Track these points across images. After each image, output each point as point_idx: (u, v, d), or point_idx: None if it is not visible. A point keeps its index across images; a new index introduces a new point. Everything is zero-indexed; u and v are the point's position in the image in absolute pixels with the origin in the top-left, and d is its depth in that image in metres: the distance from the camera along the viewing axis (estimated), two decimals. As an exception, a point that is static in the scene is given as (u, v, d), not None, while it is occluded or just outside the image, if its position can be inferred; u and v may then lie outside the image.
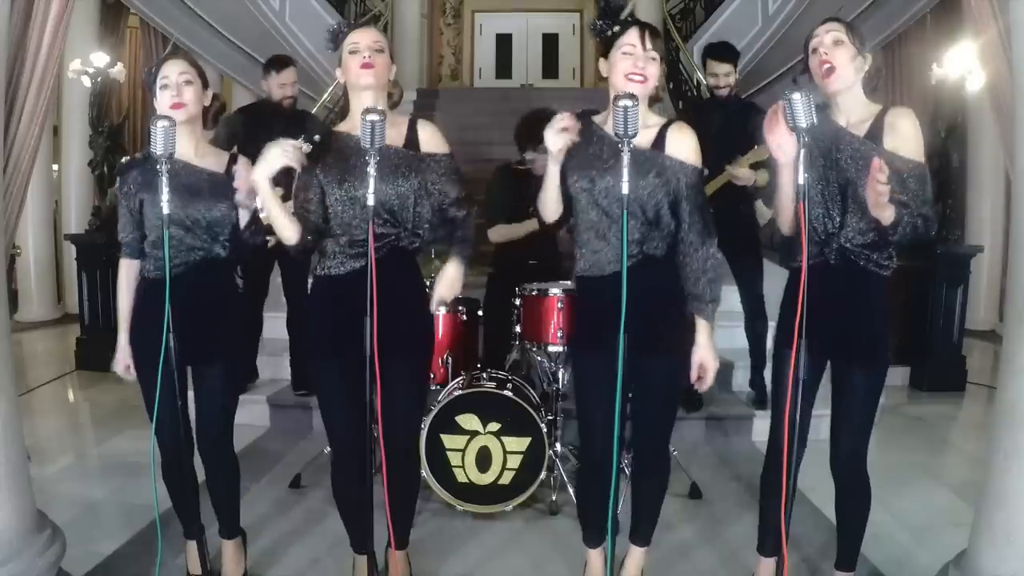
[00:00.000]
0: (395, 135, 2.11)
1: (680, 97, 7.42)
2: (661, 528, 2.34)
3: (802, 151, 1.75)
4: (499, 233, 3.54)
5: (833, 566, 2.33)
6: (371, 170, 1.89)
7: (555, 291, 3.08)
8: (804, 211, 1.79)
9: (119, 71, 6.29)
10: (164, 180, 1.99)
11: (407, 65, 8.80)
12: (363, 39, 2.10)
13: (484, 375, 3.18)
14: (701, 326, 2.08)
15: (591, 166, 2.04)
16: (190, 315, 2.06)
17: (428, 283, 2.36)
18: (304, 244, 2.11)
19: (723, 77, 3.81)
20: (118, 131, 6.06)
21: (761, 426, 3.84)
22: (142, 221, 2.20)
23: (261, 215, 2.20)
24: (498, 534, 2.92)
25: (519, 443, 2.99)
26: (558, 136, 1.95)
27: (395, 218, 2.10)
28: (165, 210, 2.00)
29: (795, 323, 1.77)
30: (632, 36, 2.00)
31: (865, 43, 2.07)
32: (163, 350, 2.00)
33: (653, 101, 2.11)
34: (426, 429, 2.92)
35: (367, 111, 1.88)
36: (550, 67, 11.55)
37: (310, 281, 2.23)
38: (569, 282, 3.07)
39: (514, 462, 2.99)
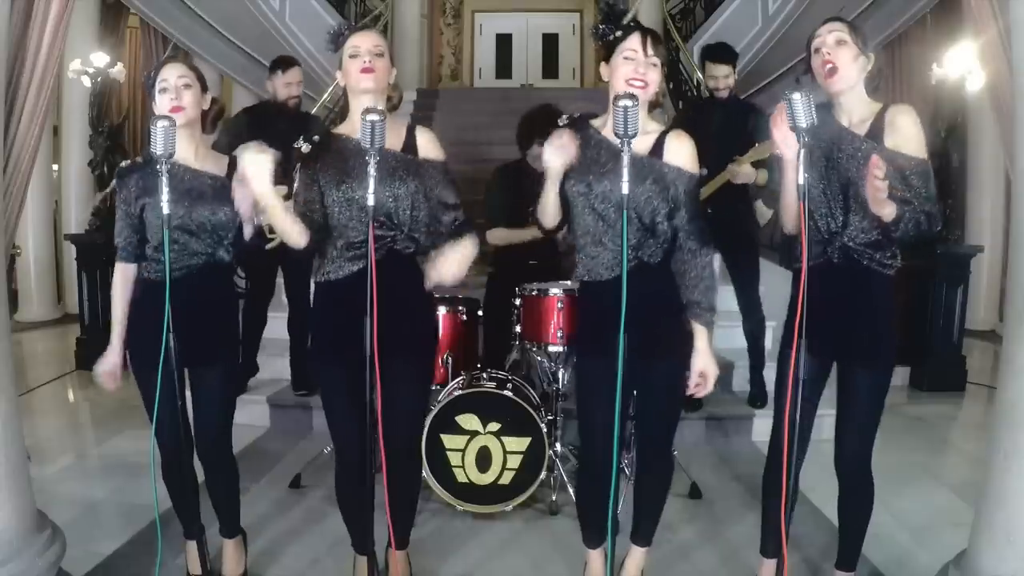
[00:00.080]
0: (394, 139, 2.11)
1: (680, 97, 7.42)
2: (661, 528, 2.34)
3: (802, 151, 1.75)
4: (498, 236, 3.53)
5: (834, 566, 2.33)
6: (371, 170, 1.89)
7: (555, 291, 3.08)
8: (804, 211, 1.79)
9: (119, 71, 6.30)
10: (164, 180, 1.98)
11: (407, 65, 8.80)
12: (363, 43, 2.10)
13: (484, 375, 3.18)
14: (700, 333, 2.08)
15: (588, 170, 2.04)
16: (190, 317, 2.06)
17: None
18: (312, 246, 2.10)
19: (722, 79, 3.80)
20: (118, 131, 6.07)
21: (761, 426, 3.85)
22: (141, 226, 2.19)
23: (261, 219, 2.19)
24: (498, 534, 2.92)
25: (519, 443, 2.99)
26: (557, 154, 1.96)
27: (391, 221, 2.10)
28: (165, 210, 2.00)
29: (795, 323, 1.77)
30: (634, 41, 2.00)
31: (868, 43, 2.07)
32: (163, 351, 2.00)
33: (653, 107, 2.11)
34: (426, 429, 2.92)
35: (367, 111, 1.88)
36: (550, 67, 11.56)
37: (312, 285, 2.23)
38: (569, 282, 3.07)
39: (514, 462, 2.99)
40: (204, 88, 2.26)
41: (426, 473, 2.94)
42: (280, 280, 4.17)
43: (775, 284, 3.77)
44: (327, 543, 2.76)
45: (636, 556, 2.32)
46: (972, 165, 7.09)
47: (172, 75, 2.18)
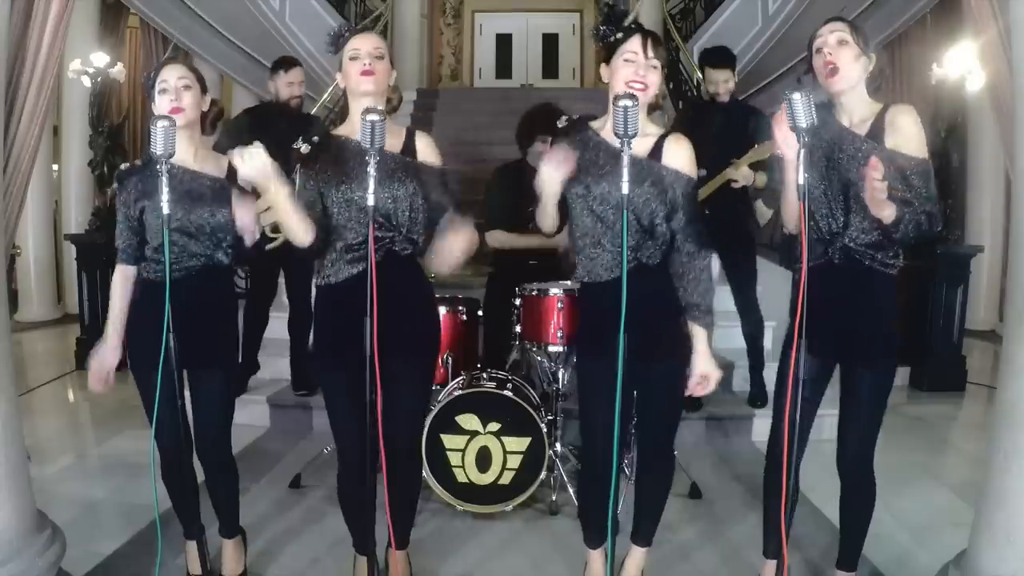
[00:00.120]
0: (393, 142, 2.11)
1: (680, 97, 7.42)
2: (661, 528, 2.34)
3: (802, 151, 1.75)
4: (497, 239, 3.52)
5: (834, 566, 2.33)
6: (371, 170, 1.89)
7: (555, 291, 3.08)
8: (804, 211, 1.79)
9: (119, 71, 6.30)
10: (164, 180, 1.98)
11: (407, 65, 8.80)
12: (364, 45, 2.10)
13: (484, 375, 3.18)
14: (700, 335, 2.08)
15: (587, 172, 2.04)
16: (188, 319, 2.05)
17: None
18: (317, 244, 2.10)
19: (723, 84, 3.78)
20: (118, 131, 6.07)
21: (761, 426, 3.84)
22: (140, 228, 2.19)
23: (264, 217, 2.19)
24: (498, 534, 2.92)
25: (519, 443, 2.99)
26: (557, 171, 1.96)
27: (390, 222, 2.11)
28: (165, 210, 1.99)
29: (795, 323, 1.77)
30: (634, 44, 2.00)
31: (869, 43, 2.06)
32: (163, 351, 2.00)
33: (653, 109, 2.10)
34: (426, 429, 2.92)
35: (367, 111, 1.88)
36: (550, 67, 11.55)
37: (313, 288, 2.23)
38: (569, 282, 3.07)
39: (514, 462, 2.99)
40: (204, 89, 2.26)
41: (426, 473, 2.94)
42: (282, 280, 4.18)
43: (775, 284, 3.78)
44: (327, 543, 2.76)
45: (636, 556, 2.32)
46: (972, 165, 7.10)
47: (172, 76, 2.18)
